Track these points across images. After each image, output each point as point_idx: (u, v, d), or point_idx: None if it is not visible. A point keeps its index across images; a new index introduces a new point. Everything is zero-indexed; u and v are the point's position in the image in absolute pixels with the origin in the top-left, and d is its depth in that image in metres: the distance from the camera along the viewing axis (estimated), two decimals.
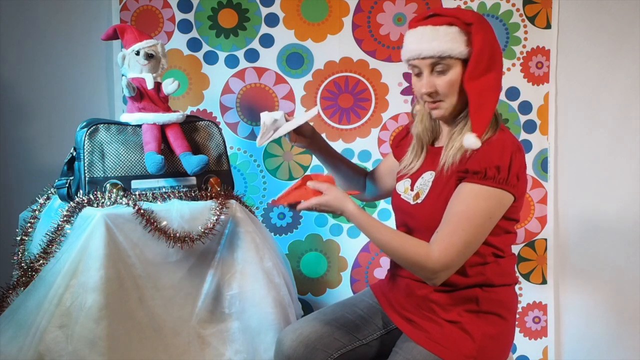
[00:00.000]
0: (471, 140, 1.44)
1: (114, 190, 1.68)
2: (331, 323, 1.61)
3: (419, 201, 1.53)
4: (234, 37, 2.26)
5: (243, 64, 2.27)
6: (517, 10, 2.25)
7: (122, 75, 1.81)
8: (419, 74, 1.49)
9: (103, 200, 1.65)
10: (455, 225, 1.41)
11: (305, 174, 1.51)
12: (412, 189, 1.57)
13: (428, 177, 1.54)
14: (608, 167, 2.31)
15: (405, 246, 1.44)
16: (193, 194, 1.76)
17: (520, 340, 2.34)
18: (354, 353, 1.60)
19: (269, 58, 2.27)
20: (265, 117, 1.64)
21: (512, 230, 1.53)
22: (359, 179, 1.82)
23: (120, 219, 1.61)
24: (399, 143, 1.73)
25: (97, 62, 2.27)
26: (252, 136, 2.29)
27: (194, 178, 1.80)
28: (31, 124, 2.26)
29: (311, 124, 1.74)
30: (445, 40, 1.43)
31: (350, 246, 2.33)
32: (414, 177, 1.58)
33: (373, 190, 1.82)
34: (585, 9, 2.26)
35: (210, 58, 2.26)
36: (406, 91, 2.29)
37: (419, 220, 1.52)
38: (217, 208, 1.74)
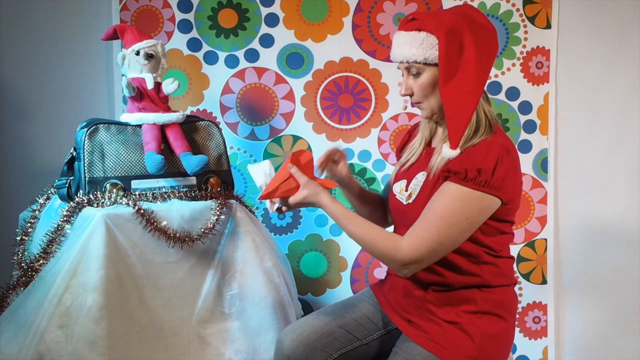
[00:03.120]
0: (447, 152, 1.45)
1: (114, 190, 1.68)
2: (331, 323, 1.61)
3: (410, 201, 1.54)
4: (234, 37, 2.26)
5: (243, 64, 2.27)
6: (517, 10, 2.25)
7: (122, 75, 1.81)
8: (404, 75, 1.53)
9: (103, 200, 1.65)
10: (429, 222, 1.42)
11: (292, 151, 1.51)
12: (406, 190, 1.57)
13: (420, 178, 1.55)
14: (608, 167, 2.31)
15: (376, 238, 1.45)
16: (193, 194, 1.76)
17: (520, 340, 2.34)
18: (353, 353, 1.60)
19: (269, 58, 2.27)
20: (257, 176, 1.56)
21: (507, 231, 1.53)
22: (382, 210, 1.80)
23: (120, 219, 1.61)
24: (403, 147, 1.72)
25: (97, 62, 2.27)
26: (253, 136, 2.29)
27: (194, 178, 1.79)
28: (31, 124, 2.26)
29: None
30: (411, 45, 1.44)
31: (350, 246, 2.33)
32: (409, 178, 1.58)
33: (389, 214, 1.79)
34: (585, 9, 2.26)
35: (210, 58, 2.26)
36: None
37: (410, 220, 1.52)
38: (217, 208, 1.74)
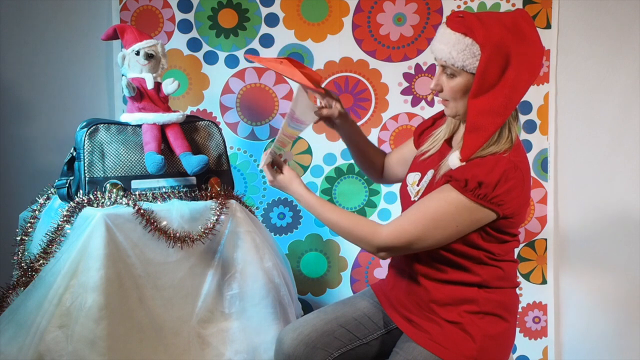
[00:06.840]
0: (454, 161, 1.44)
1: (114, 190, 1.68)
2: (331, 322, 1.61)
3: (416, 199, 1.55)
4: (234, 37, 2.26)
5: (243, 64, 2.27)
6: None
7: (122, 75, 1.81)
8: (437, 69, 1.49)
9: (103, 200, 1.65)
10: (417, 217, 1.43)
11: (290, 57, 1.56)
12: (418, 185, 1.58)
13: (429, 176, 1.55)
14: (608, 167, 2.31)
15: (353, 222, 1.50)
16: (193, 194, 1.77)
17: (520, 340, 2.34)
18: (354, 352, 1.60)
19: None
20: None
21: (508, 240, 1.51)
22: (378, 163, 1.82)
23: (120, 219, 1.61)
24: (422, 132, 1.70)
25: (97, 62, 2.27)
26: (253, 136, 2.29)
27: (194, 178, 1.80)
28: (31, 124, 2.26)
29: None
30: (454, 48, 1.40)
31: (350, 246, 2.32)
32: (424, 172, 1.58)
33: (385, 173, 1.82)
34: (585, 9, 2.26)
35: (210, 58, 2.26)
36: (406, 91, 2.29)
37: None
38: (217, 208, 1.74)
